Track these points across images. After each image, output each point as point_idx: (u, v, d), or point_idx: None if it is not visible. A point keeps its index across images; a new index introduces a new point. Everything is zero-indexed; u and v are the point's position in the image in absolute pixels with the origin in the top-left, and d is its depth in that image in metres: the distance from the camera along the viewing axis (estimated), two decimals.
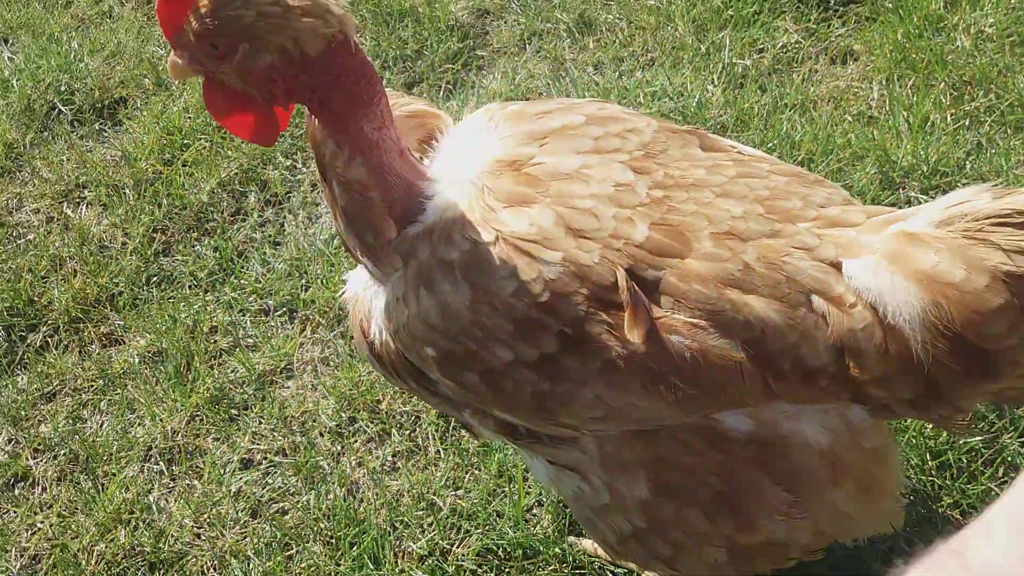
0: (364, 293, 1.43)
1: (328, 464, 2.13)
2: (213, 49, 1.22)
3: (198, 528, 2.06)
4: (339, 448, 2.16)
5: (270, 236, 2.68)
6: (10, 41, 3.68)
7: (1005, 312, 1.12)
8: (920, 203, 2.29)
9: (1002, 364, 1.17)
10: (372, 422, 2.18)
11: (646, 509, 1.33)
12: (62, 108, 3.25)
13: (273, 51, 1.20)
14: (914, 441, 1.89)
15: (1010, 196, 1.15)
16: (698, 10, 3.01)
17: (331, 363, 2.34)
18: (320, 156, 1.33)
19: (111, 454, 2.23)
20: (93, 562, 2.03)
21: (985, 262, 1.13)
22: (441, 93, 2.99)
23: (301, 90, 1.26)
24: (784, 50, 2.84)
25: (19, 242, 2.83)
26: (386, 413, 2.20)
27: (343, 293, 1.53)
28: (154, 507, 2.11)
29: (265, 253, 2.62)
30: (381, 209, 1.32)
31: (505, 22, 3.25)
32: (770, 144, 2.53)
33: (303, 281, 2.51)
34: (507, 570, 1.89)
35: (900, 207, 2.28)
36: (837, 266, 1.20)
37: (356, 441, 2.16)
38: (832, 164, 2.45)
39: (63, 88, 3.31)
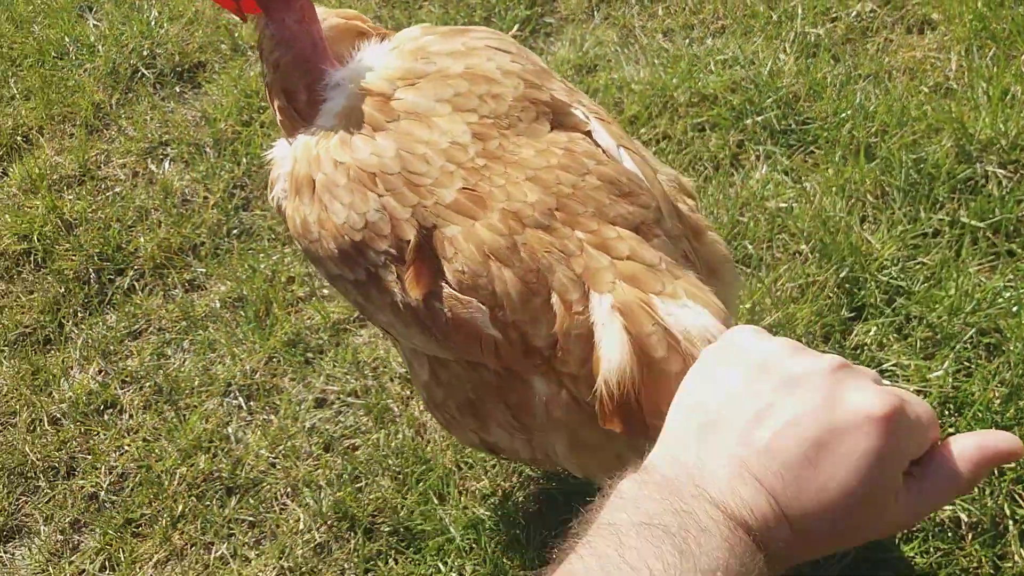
0: (281, 155, 1.62)
1: (397, 407, 2.21)
2: None
3: (273, 458, 2.17)
4: (408, 393, 2.24)
5: None
6: (94, 9, 3.83)
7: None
8: (998, 178, 2.30)
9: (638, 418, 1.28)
10: None
11: (427, 389, 1.61)
12: (145, 71, 3.39)
13: None
14: None
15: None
16: None
17: None
18: (259, 41, 1.59)
19: (193, 388, 2.36)
20: (175, 483, 2.16)
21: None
22: None
23: None
24: (859, 19, 2.82)
25: (107, 194, 2.97)
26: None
27: (271, 152, 1.68)
28: (232, 438, 2.23)
29: None
30: (296, 78, 1.55)
31: None
32: (843, 114, 2.53)
33: None
34: (569, 514, 1.95)
35: (978, 181, 2.31)
36: (580, 279, 1.34)
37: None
38: (906, 137, 2.44)
39: (145, 53, 3.45)
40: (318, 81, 1.54)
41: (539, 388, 1.44)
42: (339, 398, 2.27)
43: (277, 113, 1.61)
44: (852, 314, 2.15)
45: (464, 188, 1.40)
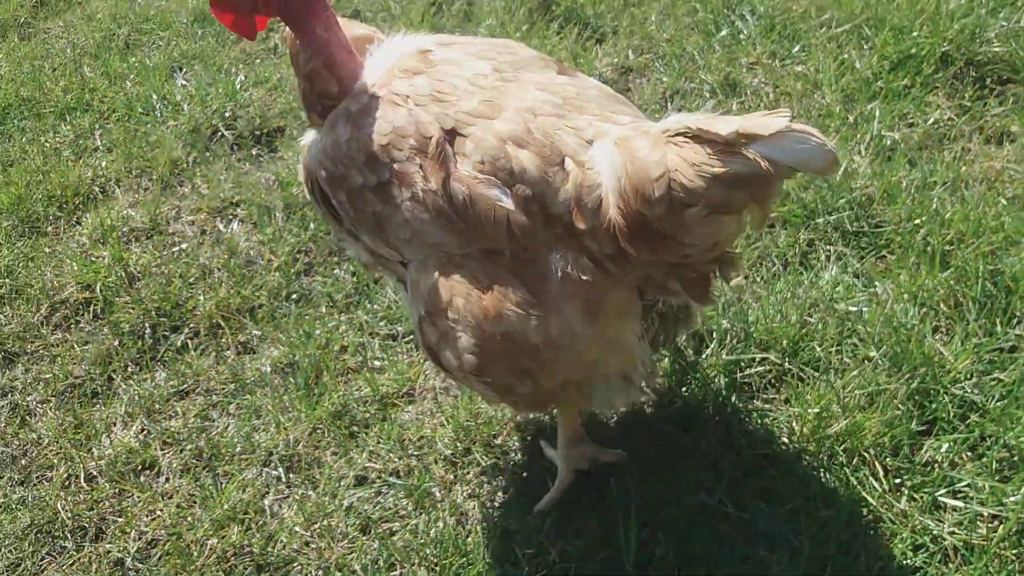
0: (311, 139, 1.91)
1: (440, 492, 2.14)
2: None
3: (308, 536, 2.10)
4: (452, 477, 2.17)
5: None
6: (184, 69, 3.98)
7: (660, 183, 1.47)
8: None
9: (655, 235, 1.52)
10: (487, 455, 2.19)
11: (430, 296, 1.72)
12: (225, 132, 3.48)
13: None
14: None
15: (704, 120, 1.47)
16: (847, 79, 2.97)
17: (451, 393, 2.37)
18: (294, 57, 1.88)
19: (234, 455, 2.32)
20: (204, 555, 2.10)
21: (666, 154, 1.47)
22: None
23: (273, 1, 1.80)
24: (936, 126, 2.77)
25: (173, 250, 3.01)
26: (501, 448, 2.20)
27: (302, 139, 1.96)
28: (268, 511, 2.17)
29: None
30: (327, 85, 1.84)
31: (648, 80, 3.30)
32: (918, 220, 2.45)
33: None
34: None
35: None
36: (589, 143, 1.60)
37: (469, 472, 2.17)
38: (983, 247, 2.35)
39: (228, 114, 3.55)
40: (352, 81, 1.83)
41: (554, 261, 1.62)
42: (380, 477, 2.20)
43: (309, 110, 1.90)
44: (923, 427, 2.04)
45: (483, 100, 1.68)
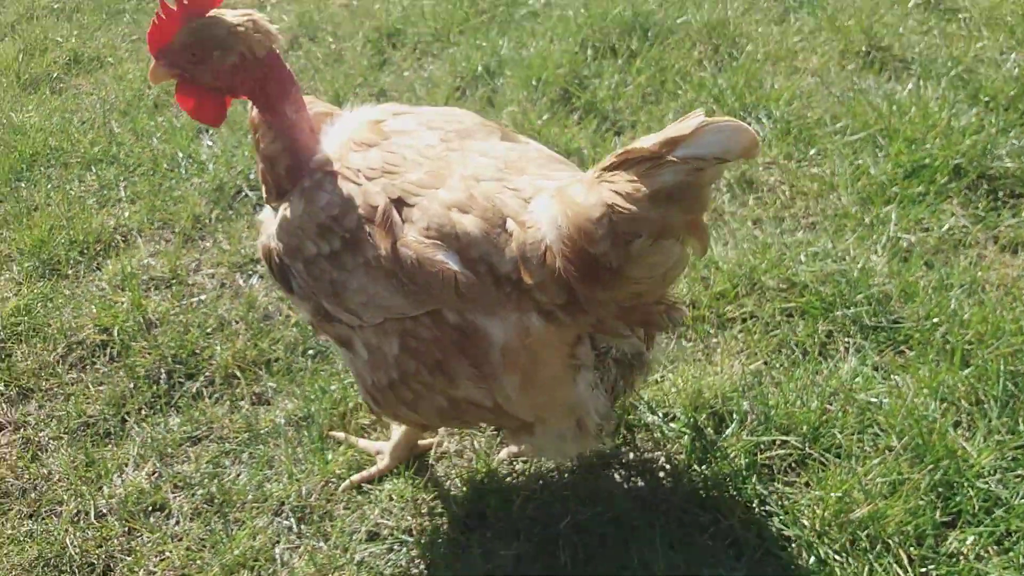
0: (266, 218, 2.01)
1: (452, 552, 2.10)
2: (193, 56, 1.82)
3: None
4: (465, 539, 2.14)
5: None
6: (211, 132, 4.08)
7: (601, 222, 1.56)
8: None
9: (605, 272, 1.60)
10: (500, 519, 2.16)
11: (397, 362, 1.84)
12: (248, 192, 3.54)
13: (235, 55, 1.82)
14: None
15: (622, 148, 1.58)
16: (863, 183, 3.09)
17: (465, 456, 2.36)
18: (254, 134, 1.94)
19: (245, 502, 2.28)
20: None
21: (601, 193, 1.57)
22: None
23: (250, 81, 1.86)
24: (951, 232, 2.86)
25: (192, 300, 3.03)
26: (516, 514, 2.18)
27: (259, 215, 2.11)
28: (278, 559, 2.13)
29: None
30: (281, 173, 1.92)
31: None
32: (936, 319, 2.51)
33: None
34: None
35: None
36: (528, 201, 1.70)
37: (484, 534, 2.13)
38: (1003, 348, 2.39)
39: (252, 176, 3.63)
40: (307, 161, 1.91)
41: (495, 334, 1.73)
42: (393, 534, 2.17)
43: (267, 190, 1.97)
44: (947, 519, 2.03)
45: (428, 171, 1.79)
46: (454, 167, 1.79)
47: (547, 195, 1.67)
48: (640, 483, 2.20)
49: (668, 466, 2.22)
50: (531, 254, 1.65)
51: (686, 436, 2.24)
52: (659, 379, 2.42)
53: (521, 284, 1.68)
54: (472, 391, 1.82)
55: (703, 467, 2.20)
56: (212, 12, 1.82)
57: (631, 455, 2.26)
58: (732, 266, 2.76)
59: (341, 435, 2.43)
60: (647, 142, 1.53)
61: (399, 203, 1.76)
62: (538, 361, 1.75)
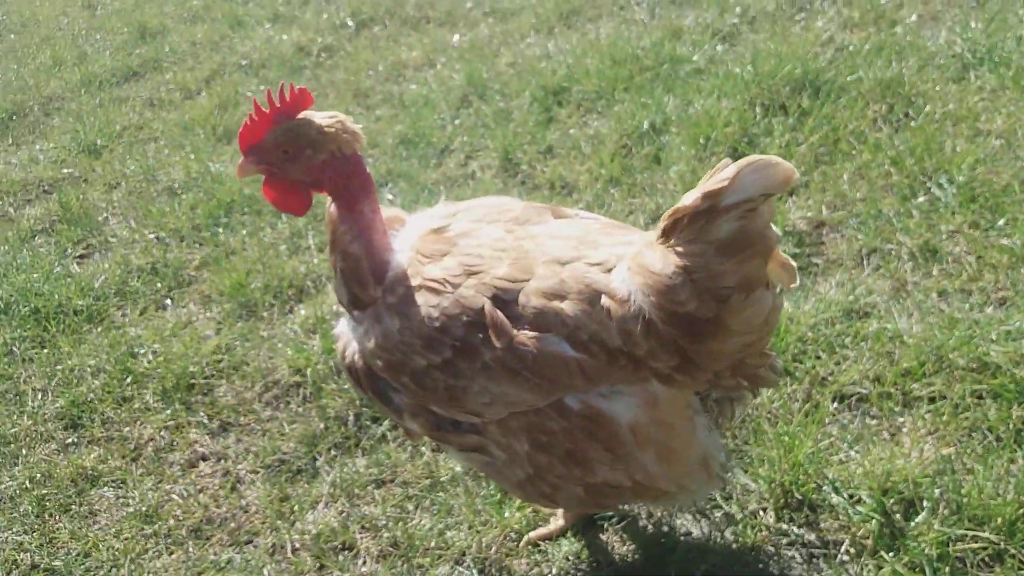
0: (347, 330, 2.05)
1: None
2: (284, 153, 1.95)
3: None
4: None
5: None
6: (390, 184, 4.33)
7: (684, 285, 1.65)
8: None
9: (706, 324, 1.67)
10: None
11: (530, 459, 1.89)
12: None
13: (326, 153, 1.95)
14: None
15: (670, 211, 1.66)
16: None
17: (640, 524, 2.39)
18: (333, 232, 1.99)
19: (428, 548, 2.39)
20: None
21: (670, 257, 1.66)
22: (776, 288, 3.09)
23: (336, 177, 1.96)
24: None
25: None
26: None
27: (335, 330, 2.12)
28: None
29: None
30: (367, 273, 1.95)
31: (842, 235, 3.35)
32: None
33: None
34: None
35: None
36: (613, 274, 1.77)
37: None
38: None
39: None
40: (383, 268, 1.96)
41: (621, 414, 1.80)
42: None
43: (347, 294, 1.99)
44: None
45: (511, 263, 1.84)
46: (533, 255, 1.85)
47: (624, 267, 1.75)
48: (823, 565, 2.16)
49: (852, 550, 2.17)
50: (632, 327, 1.72)
51: (874, 520, 2.18)
52: (844, 459, 2.38)
53: (634, 354, 1.74)
54: (609, 475, 1.86)
55: (891, 554, 2.14)
56: (303, 114, 1.94)
57: (813, 536, 2.23)
58: (918, 341, 2.68)
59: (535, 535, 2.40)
60: (690, 199, 1.61)
61: (495, 300, 1.80)
62: (667, 428, 1.82)
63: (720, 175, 1.57)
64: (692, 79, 4.61)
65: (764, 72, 4.32)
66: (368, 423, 2.87)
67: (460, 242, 1.93)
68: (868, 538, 2.17)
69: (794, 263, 1.77)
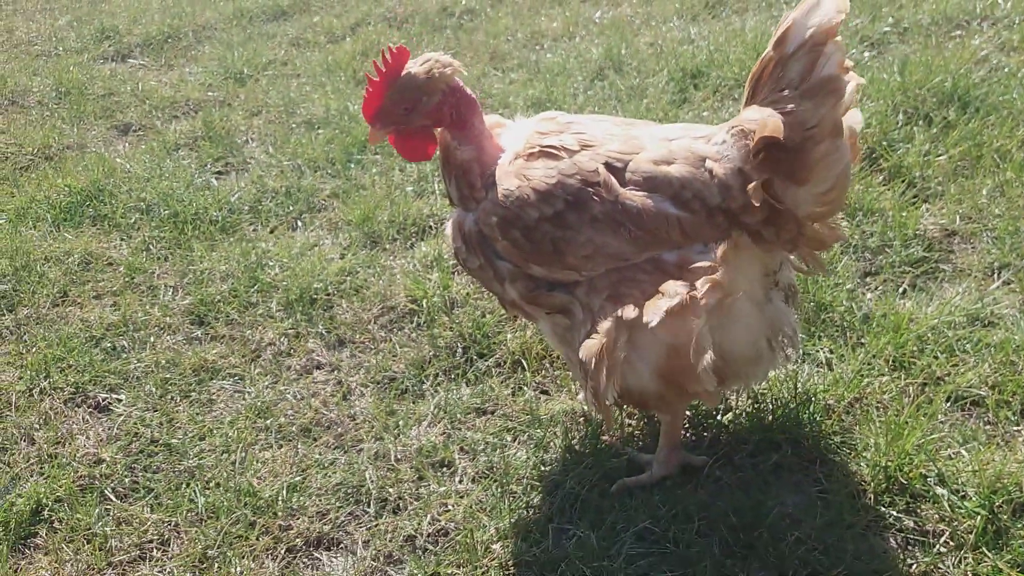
0: (457, 217, 2.30)
1: (715, 573, 2.16)
2: (405, 109, 2.20)
3: (586, 571, 2.18)
4: (731, 565, 2.18)
5: None
6: None
7: (782, 124, 1.89)
8: None
9: (793, 158, 1.91)
10: (770, 554, 2.18)
11: (603, 312, 2.08)
12: None
13: (437, 94, 2.19)
14: None
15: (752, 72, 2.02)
16: None
17: (736, 481, 2.40)
18: (445, 149, 2.27)
19: (523, 477, 2.47)
20: (488, 557, 2.24)
21: (767, 110, 1.94)
22: (899, 289, 3.05)
23: (451, 108, 2.20)
24: None
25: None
26: (787, 553, 2.19)
27: (447, 221, 2.42)
28: (550, 536, 2.29)
29: None
30: (476, 176, 2.22)
31: (973, 247, 3.26)
32: None
33: (723, 404, 2.64)
34: None
35: None
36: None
37: (752, 564, 2.17)
38: None
39: None
40: (494, 160, 2.23)
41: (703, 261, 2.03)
42: (659, 541, 2.26)
43: (459, 196, 2.26)
44: None
45: (623, 142, 2.12)
46: (643, 137, 2.15)
47: (724, 131, 2.06)
48: (918, 553, 2.14)
49: (951, 542, 2.15)
50: (732, 181, 2.00)
51: (979, 516, 2.15)
52: (952, 455, 2.34)
53: (730, 211, 2.01)
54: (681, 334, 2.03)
55: (992, 552, 2.10)
56: (404, 72, 2.16)
57: (911, 523, 2.21)
58: None
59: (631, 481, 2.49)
60: (765, 54, 1.93)
61: (608, 167, 2.07)
62: (743, 276, 2.04)
63: (780, 29, 1.88)
64: None
65: (912, 81, 4.22)
66: (474, 357, 2.97)
67: (574, 126, 2.22)
68: (971, 533, 2.13)
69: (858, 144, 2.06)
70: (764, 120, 1.91)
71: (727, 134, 2.04)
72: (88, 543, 2.44)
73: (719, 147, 2.04)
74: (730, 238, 2.00)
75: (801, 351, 2.82)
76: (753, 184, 1.95)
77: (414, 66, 2.16)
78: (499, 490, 2.45)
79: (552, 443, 2.59)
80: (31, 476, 2.70)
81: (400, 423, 2.73)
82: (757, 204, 1.95)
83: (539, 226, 2.09)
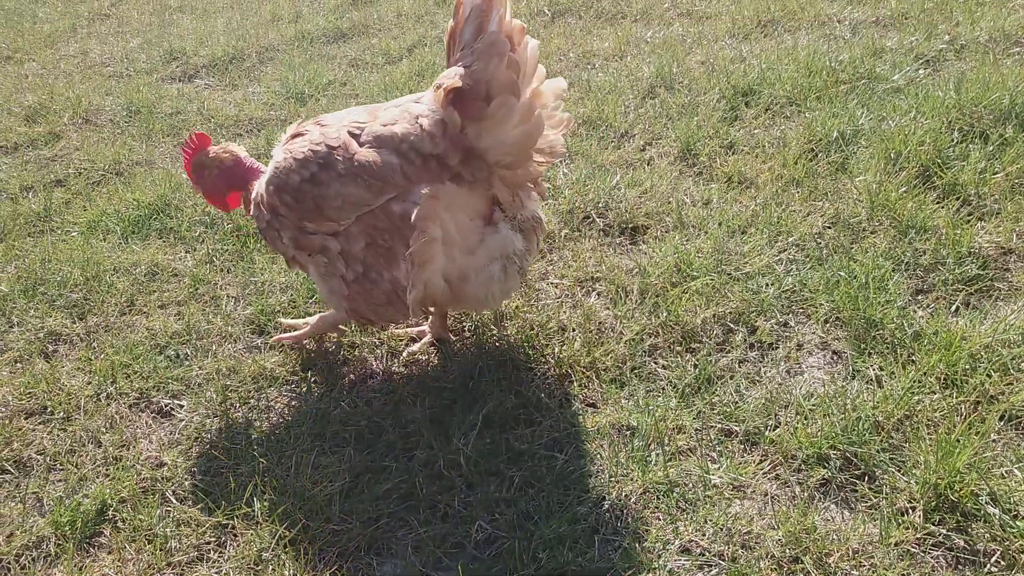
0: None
1: None
2: (199, 175, 3.20)
3: None
4: None
5: (747, 374, 2.88)
6: (568, 161, 4.47)
7: (463, 75, 2.47)
8: None
9: (472, 105, 2.49)
10: (818, 570, 2.18)
11: (363, 256, 2.70)
12: (596, 218, 3.87)
13: (215, 168, 3.16)
14: None
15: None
16: None
17: (782, 499, 2.41)
18: (245, 202, 3.14)
19: (569, 487, 2.51)
20: (533, 566, 2.28)
21: (457, 67, 2.52)
22: (952, 307, 3.02)
23: (228, 177, 3.17)
24: None
25: (537, 304, 3.37)
26: (832, 568, 2.19)
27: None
28: (596, 547, 2.32)
29: (740, 385, 2.82)
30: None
31: None
32: None
33: (771, 420, 2.65)
34: None
35: None
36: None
37: None
38: None
39: (601, 204, 3.95)
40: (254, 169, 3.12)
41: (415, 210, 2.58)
42: (704, 554, 2.27)
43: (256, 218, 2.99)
44: None
45: (366, 113, 2.74)
46: (381, 108, 2.70)
47: (431, 90, 2.59)
48: (967, 573, 2.12)
49: (1003, 562, 2.12)
50: (435, 130, 2.55)
51: None
52: (1005, 474, 2.31)
53: (439, 157, 2.54)
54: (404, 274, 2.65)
55: None
56: (199, 152, 3.12)
57: (961, 541, 2.18)
58: None
59: (287, 321, 3.39)
60: (451, 24, 2.52)
61: (350, 134, 2.64)
62: (457, 224, 2.63)
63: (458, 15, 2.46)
64: (889, 97, 4.51)
65: (968, 98, 4.17)
66: (522, 368, 3.02)
67: (323, 118, 2.80)
68: (1023, 553, 2.11)
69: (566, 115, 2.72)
70: (449, 73, 2.47)
71: (431, 92, 2.56)
72: (149, 543, 2.54)
73: (427, 105, 2.59)
74: (431, 187, 2.55)
75: (851, 368, 2.81)
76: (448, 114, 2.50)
77: (210, 148, 3.11)
78: (544, 499, 2.49)
79: (598, 455, 2.63)
80: (97, 477, 2.82)
81: (449, 432, 2.79)
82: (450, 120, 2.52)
83: (301, 187, 2.66)
